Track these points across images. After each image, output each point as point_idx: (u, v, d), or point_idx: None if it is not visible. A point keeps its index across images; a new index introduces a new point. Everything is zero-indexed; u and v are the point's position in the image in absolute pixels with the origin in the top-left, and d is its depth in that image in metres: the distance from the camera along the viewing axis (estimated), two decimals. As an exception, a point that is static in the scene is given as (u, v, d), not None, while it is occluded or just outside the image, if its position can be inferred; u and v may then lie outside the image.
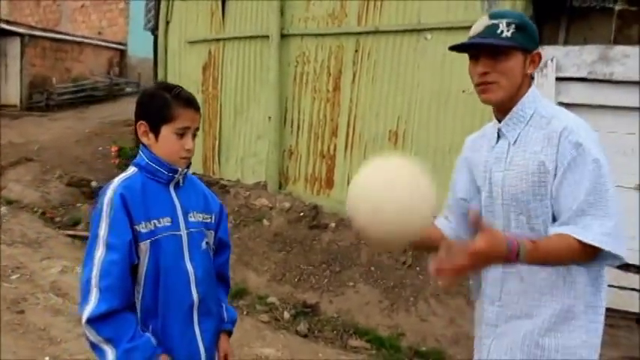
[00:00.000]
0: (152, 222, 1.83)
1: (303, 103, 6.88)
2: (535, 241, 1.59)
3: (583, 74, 5.12)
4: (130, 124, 13.41)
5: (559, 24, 5.51)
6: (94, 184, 8.81)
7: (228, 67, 7.63)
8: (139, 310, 1.82)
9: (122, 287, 1.75)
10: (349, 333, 4.79)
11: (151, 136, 1.87)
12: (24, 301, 4.80)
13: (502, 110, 1.86)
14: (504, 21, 1.77)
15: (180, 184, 1.95)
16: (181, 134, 1.85)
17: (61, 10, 21.15)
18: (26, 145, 11.27)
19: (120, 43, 19.36)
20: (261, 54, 7.24)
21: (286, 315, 5.04)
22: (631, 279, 5.08)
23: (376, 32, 6.25)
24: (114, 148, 9.06)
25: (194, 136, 1.91)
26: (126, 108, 16.02)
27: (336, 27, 6.56)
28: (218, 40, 7.70)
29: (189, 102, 1.89)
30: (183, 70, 8.14)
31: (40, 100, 16.46)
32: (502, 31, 1.76)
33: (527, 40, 1.77)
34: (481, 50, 1.78)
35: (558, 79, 5.20)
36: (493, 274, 1.86)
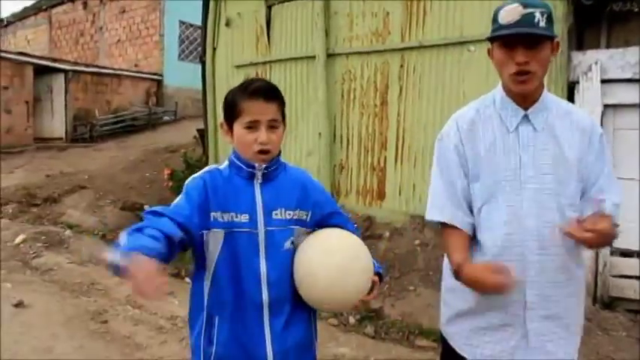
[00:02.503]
0: (230, 214, 1.80)
1: (351, 118, 7.15)
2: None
3: (628, 75, 5.26)
4: (172, 150, 13.93)
5: (600, 29, 5.68)
6: (146, 207, 9.18)
7: (276, 89, 7.94)
8: (205, 299, 1.85)
9: (166, 216, 1.72)
10: (415, 334, 4.95)
11: (230, 134, 1.88)
12: (105, 312, 5.09)
13: (529, 98, 1.89)
14: (538, 10, 1.76)
15: (270, 179, 1.86)
16: (251, 127, 1.80)
17: (98, 46, 21.98)
18: (76, 174, 11.75)
19: (156, 74, 20.03)
20: (308, 74, 7.55)
21: (351, 320, 5.23)
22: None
23: (420, 47, 6.51)
24: (166, 171, 9.41)
25: (273, 127, 1.83)
26: (165, 135, 16.61)
27: (381, 44, 6.85)
28: (265, 62, 8.05)
29: (256, 93, 1.81)
30: (231, 94, 8.51)
31: (84, 132, 17.14)
32: (539, 21, 1.75)
33: (553, 30, 1.82)
34: (517, 40, 1.77)
35: (603, 81, 5.36)
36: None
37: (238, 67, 8.41)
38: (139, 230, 1.63)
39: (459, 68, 6.19)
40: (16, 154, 14.46)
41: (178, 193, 1.86)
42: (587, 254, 5.32)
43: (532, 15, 1.74)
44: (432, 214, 2.00)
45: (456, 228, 1.94)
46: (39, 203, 9.47)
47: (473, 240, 1.96)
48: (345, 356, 4.20)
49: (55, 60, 17.85)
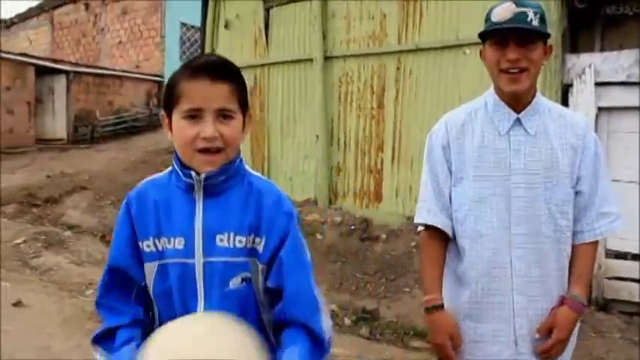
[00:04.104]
0: (163, 240, 1.40)
1: (348, 121, 7.21)
2: (580, 280, 1.90)
3: (622, 78, 5.31)
4: (172, 151, 14.01)
5: (594, 32, 5.73)
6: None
7: (274, 91, 8.03)
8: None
9: (120, 307, 1.45)
10: (409, 335, 5.00)
11: (171, 128, 1.42)
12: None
13: (520, 100, 1.87)
14: (531, 10, 1.77)
15: (218, 192, 1.39)
16: (192, 116, 1.33)
17: (100, 47, 22.06)
18: (77, 175, 11.83)
19: (157, 75, 20.10)
20: (306, 76, 7.61)
21: (347, 321, 5.28)
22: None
23: (416, 50, 6.57)
24: (165, 173, 9.47)
25: (226, 117, 1.35)
26: (166, 137, 16.61)
27: (377, 47, 6.91)
28: (263, 65, 8.12)
29: (198, 70, 1.34)
30: (230, 96, 8.58)
31: (85, 133, 17.20)
32: (531, 20, 1.76)
33: (547, 31, 1.83)
34: (510, 37, 1.78)
35: (597, 84, 5.40)
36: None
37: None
38: (116, 347, 1.40)
39: (454, 71, 6.25)
40: (17, 154, 14.54)
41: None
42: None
43: (525, 13, 1.76)
44: (418, 217, 2.02)
45: (438, 231, 1.95)
46: (39, 204, 9.55)
47: (454, 241, 1.97)
48: (338, 356, 4.24)
49: (56, 61, 17.93)
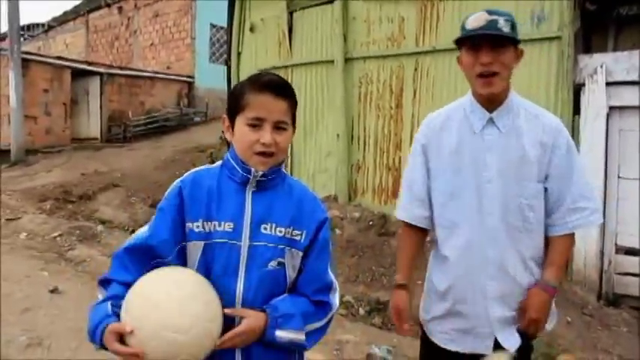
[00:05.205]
0: (212, 223, 1.58)
1: (368, 120, 7.44)
2: (552, 267, 2.03)
3: (634, 77, 5.40)
4: (201, 149, 14.40)
5: (607, 33, 5.84)
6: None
7: (297, 91, 8.22)
8: None
9: (130, 267, 1.59)
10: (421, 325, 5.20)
11: (232, 131, 1.64)
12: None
13: (494, 101, 2.01)
14: (502, 18, 1.91)
15: (265, 188, 1.63)
16: (255, 125, 1.56)
17: (133, 49, 22.66)
18: (110, 173, 12.26)
19: (187, 76, 20.57)
20: (327, 77, 7.87)
21: (361, 311, 5.51)
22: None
23: (434, 51, 6.75)
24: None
25: (280, 129, 1.59)
26: (195, 136, 17.10)
27: (396, 48, 7.11)
28: (286, 66, 8.39)
29: (265, 86, 1.57)
30: (255, 97, 8.88)
31: (117, 132, 17.75)
32: (502, 27, 1.89)
33: (517, 37, 1.96)
34: (483, 43, 1.91)
35: (609, 83, 5.51)
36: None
37: (262, 70, 8.76)
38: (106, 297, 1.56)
39: (470, 72, 6.41)
40: (54, 153, 15.11)
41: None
42: (592, 252, 5.50)
43: (496, 21, 1.90)
44: (396, 213, 2.25)
45: (413, 227, 2.16)
46: (74, 200, 9.96)
47: (433, 233, 2.17)
48: (348, 342, 4.48)
49: (91, 64, 18.52)
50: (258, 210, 1.60)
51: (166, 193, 1.64)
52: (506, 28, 1.90)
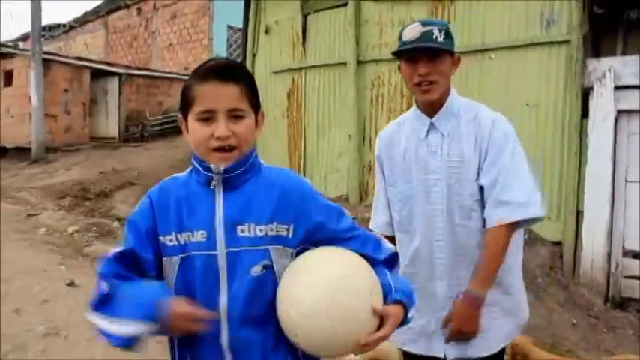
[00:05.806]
0: (186, 234, 1.43)
1: (379, 122, 7.53)
2: (477, 275, 1.99)
3: (642, 82, 5.45)
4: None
5: (616, 36, 5.87)
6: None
7: (310, 93, 8.43)
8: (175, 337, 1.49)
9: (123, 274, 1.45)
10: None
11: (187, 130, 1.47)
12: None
13: (434, 107, 2.07)
14: (436, 27, 1.97)
15: (236, 186, 1.45)
16: (206, 119, 1.39)
17: (151, 50, 22.96)
18: (127, 171, 12.49)
19: (205, 77, 20.78)
20: (340, 79, 7.98)
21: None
22: None
23: (444, 54, 6.82)
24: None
25: (237, 118, 1.41)
26: (212, 136, 17.28)
27: (408, 51, 7.20)
28: (300, 68, 8.53)
29: (209, 72, 1.40)
30: (270, 98, 8.98)
31: (135, 132, 18.00)
32: (437, 37, 1.95)
33: (453, 45, 2.03)
34: (419, 54, 1.97)
35: (617, 87, 5.55)
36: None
37: (276, 72, 8.91)
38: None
39: (480, 74, 6.49)
40: (73, 152, 15.42)
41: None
42: (599, 254, 5.55)
43: (431, 31, 1.95)
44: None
45: (387, 236, 2.15)
46: (92, 197, 10.21)
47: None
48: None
49: (110, 64, 18.84)
50: (231, 211, 1.43)
51: (134, 213, 1.50)
52: (440, 38, 1.97)
